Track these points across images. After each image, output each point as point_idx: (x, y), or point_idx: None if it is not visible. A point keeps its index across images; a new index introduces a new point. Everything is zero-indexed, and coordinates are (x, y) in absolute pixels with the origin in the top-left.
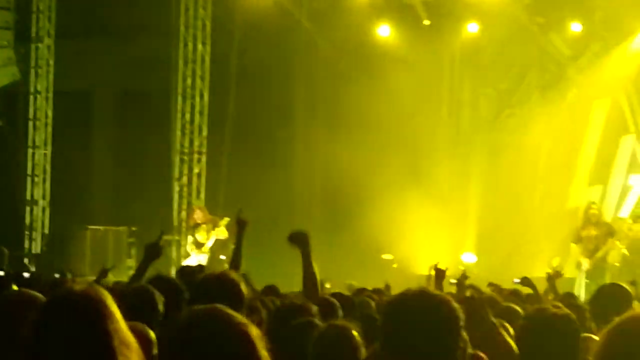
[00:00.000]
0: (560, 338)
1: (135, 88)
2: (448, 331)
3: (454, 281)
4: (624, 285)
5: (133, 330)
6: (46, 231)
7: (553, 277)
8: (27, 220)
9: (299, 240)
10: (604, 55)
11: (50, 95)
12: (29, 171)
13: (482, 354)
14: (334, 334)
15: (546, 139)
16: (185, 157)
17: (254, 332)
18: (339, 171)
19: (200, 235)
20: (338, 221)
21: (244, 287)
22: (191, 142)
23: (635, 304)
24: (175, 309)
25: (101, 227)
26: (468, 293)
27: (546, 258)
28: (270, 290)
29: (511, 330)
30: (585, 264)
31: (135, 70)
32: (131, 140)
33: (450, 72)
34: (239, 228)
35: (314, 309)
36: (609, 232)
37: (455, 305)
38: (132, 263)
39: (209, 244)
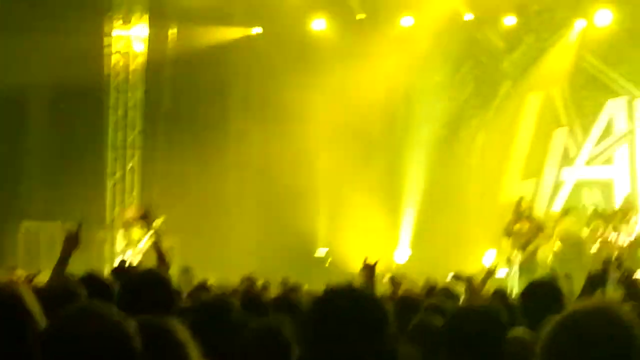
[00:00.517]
0: (485, 334)
1: (68, 83)
2: (373, 328)
3: (387, 278)
4: (555, 279)
5: None
6: None
7: (488, 275)
8: None
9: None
10: (538, 49)
11: None
12: None
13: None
14: (265, 332)
15: (480, 133)
16: (119, 153)
17: (129, 329)
18: (273, 165)
19: (134, 233)
20: (272, 216)
21: (172, 283)
22: (125, 137)
23: (565, 299)
24: None
25: (35, 222)
26: (401, 290)
27: (480, 252)
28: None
29: None
30: (517, 257)
31: (69, 65)
32: (65, 135)
33: (384, 66)
34: (149, 226)
35: (236, 304)
36: (539, 227)
37: (381, 301)
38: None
39: (142, 244)
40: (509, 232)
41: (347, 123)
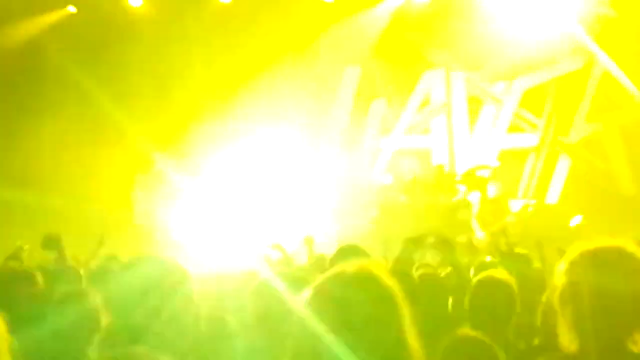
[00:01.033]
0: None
1: None
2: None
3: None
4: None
5: None
6: None
7: (310, 239)
8: None
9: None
10: (354, 21)
11: None
12: None
13: None
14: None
15: (298, 104)
16: None
17: None
18: (86, 144)
19: None
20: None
21: None
22: None
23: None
24: None
25: None
26: None
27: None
28: None
29: None
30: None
31: None
32: None
33: (203, 40)
34: None
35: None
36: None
37: None
38: None
39: None
40: None
41: (165, 96)
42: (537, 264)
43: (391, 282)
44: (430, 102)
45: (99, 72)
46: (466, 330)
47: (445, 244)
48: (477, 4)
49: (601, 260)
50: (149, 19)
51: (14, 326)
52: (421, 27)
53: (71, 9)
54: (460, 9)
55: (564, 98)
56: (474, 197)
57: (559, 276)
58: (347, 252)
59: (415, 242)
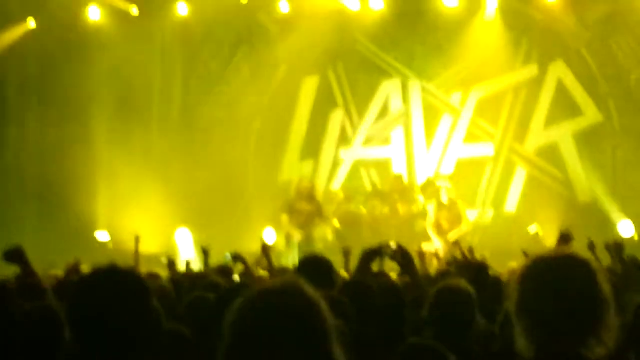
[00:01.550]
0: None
1: None
2: (137, 303)
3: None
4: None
5: None
6: None
7: (267, 249)
8: None
9: (16, 257)
10: (312, 32)
11: None
12: None
13: None
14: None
15: (257, 115)
16: None
17: None
18: (53, 153)
19: None
20: (51, 205)
21: None
22: None
23: (334, 272)
24: None
25: None
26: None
27: (260, 229)
28: None
29: None
30: (297, 235)
31: None
32: None
33: (162, 52)
34: None
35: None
36: (319, 211)
37: (141, 279)
38: None
39: None
40: (290, 210)
41: (127, 108)
42: (493, 272)
43: (317, 296)
44: (389, 112)
45: (60, 83)
46: (418, 339)
47: (404, 254)
48: (433, 15)
49: (555, 269)
50: (108, 32)
51: None
52: (377, 36)
53: (32, 23)
54: (415, 19)
55: (519, 107)
56: (433, 207)
57: (514, 285)
58: (311, 262)
59: (375, 254)
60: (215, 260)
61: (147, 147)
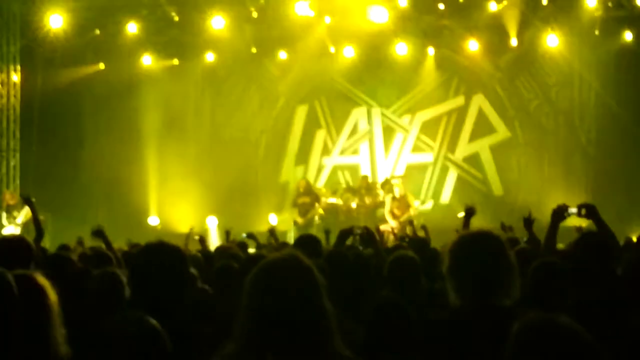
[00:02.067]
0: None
1: None
2: (178, 273)
3: (197, 237)
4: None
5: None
6: None
7: (273, 230)
8: None
9: (99, 234)
10: (303, 74)
11: None
12: None
13: None
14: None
15: (264, 133)
16: (4, 154)
17: (9, 278)
18: (117, 163)
19: (15, 212)
20: (114, 200)
21: (32, 247)
22: (7, 143)
23: (322, 246)
24: None
25: None
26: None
27: (265, 216)
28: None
29: None
30: (299, 221)
31: None
32: None
33: (195, 90)
34: (30, 205)
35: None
36: (315, 199)
37: (181, 252)
38: None
39: (19, 219)
40: (294, 204)
41: (167, 128)
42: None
43: (310, 263)
44: (358, 131)
45: (122, 111)
46: (387, 292)
47: (368, 233)
48: (390, 61)
49: (474, 242)
50: (156, 73)
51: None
52: (350, 76)
53: (101, 65)
54: (377, 64)
55: (451, 127)
56: (389, 198)
57: (446, 254)
58: (304, 239)
59: (348, 232)
60: (234, 237)
61: (185, 156)
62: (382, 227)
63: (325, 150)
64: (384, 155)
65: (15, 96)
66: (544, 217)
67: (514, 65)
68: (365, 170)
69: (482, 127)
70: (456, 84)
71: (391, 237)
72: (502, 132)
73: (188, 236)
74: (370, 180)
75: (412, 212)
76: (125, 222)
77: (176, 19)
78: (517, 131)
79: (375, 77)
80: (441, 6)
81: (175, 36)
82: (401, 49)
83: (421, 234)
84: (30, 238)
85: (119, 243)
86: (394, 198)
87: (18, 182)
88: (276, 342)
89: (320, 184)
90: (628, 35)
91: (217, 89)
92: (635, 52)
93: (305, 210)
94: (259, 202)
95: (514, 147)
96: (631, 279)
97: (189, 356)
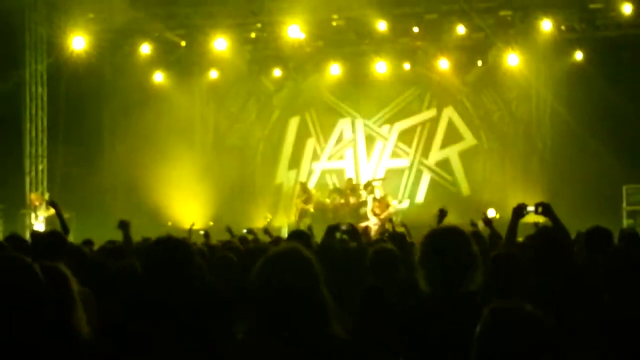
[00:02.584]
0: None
1: (1, 116)
2: (186, 265)
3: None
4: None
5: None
6: None
7: (268, 228)
8: None
9: (124, 226)
10: (296, 89)
11: None
12: None
13: None
14: (122, 268)
15: (261, 142)
16: (33, 160)
17: (36, 268)
18: (133, 167)
19: (39, 212)
20: (131, 200)
21: (66, 240)
22: (36, 149)
23: (312, 240)
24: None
25: None
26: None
27: (262, 214)
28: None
29: None
30: (294, 217)
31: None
32: (12, 150)
33: (200, 103)
34: (55, 207)
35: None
36: (308, 199)
37: (186, 245)
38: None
39: (40, 218)
40: (292, 204)
41: (176, 136)
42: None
43: (309, 254)
44: (343, 139)
45: (137, 121)
46: (372, 280)
47: (353, 228)
48: (371, 78)
49: (442, 236)
50: (166, 88)
51: None
52: (336, 92)
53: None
54: (360, 80)
55: (425, 135)
56: (370, 198)
57: (418, 247)
58: (296, 233)
59: (335, 228)
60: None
61: (192, 161)
62: (365, 224)
63: (315, 156)
64: (366, 160)
65: (42, 108)
66: (505, 214)
67: (479, 81)
68: (350, 174)
69: (452, 136)
70: (429, 98)
71: (372, 232)
72: (469, 139)
73: (190, 231)
74: (354, 182)
75: (391, 210)
76: (140, 219)
77: (183, 43)
78: (482, 139)
79: (358, 92)
80: (415, 29)
81: (183, 56)
82: (381, 67)
83: (401, 229)
84: None
85: (135, 237)
86: (375, 198)
87: (45, 184)
88: (281, 325)
89: (310, 186)
90: (579, 55)
91: (220, 102)
92: (584, 70)
93: (300, 208)
94: (256, 201)
95: (480, 152)
96: (587, 269)
97: (191, 326)
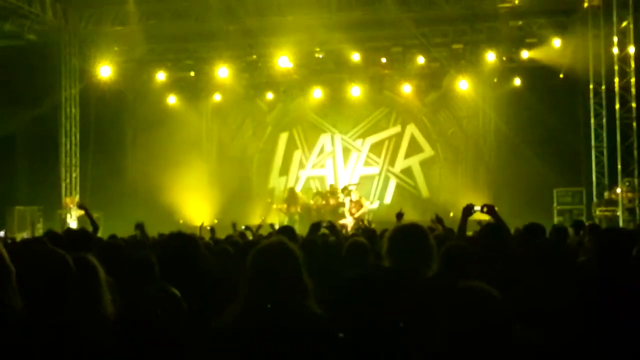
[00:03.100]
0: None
1: (42, 132)
2: (192, 256)
3: (209, 228)
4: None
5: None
6: None
7: (262, 225)
8: None
9: (140, 226)
10: (285, 109)
11: None
12: None
13: None
14: (139, 258)
15: (256, 153)
16: (67, 169)
17: (68, 259)
18: (151, 174)
19: (74, 211)
20: (149, 202)
21: (92, 235)
22: (71, 160)
23: (297, 235)
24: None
25: (22, 207)
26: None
27: (257, 213)
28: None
29: None
30: (285, 218)
31: (41, 124)
32: (41, 161)
33: (206, 121)
34: (84, 209)
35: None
36: (295, 202)
37: (192, 237)
38: (40, 229)
39: (74, 217)
40: (283, 207)
41: (186, 148)
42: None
43: (294, 246)
44: (324, 151)
45: (153, 134)
46: (354, 272)
47: (332, 226)
48: (347, 100)
49: (404, 231)
50: (178, 109)
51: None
52: (319, 111)
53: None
54: (337, 102)
55: (391, 147)
56: (347, 200)
57: (385, 239)
58: (284, 228)
59: (317, 225)
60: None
61: (200, 170)
62: (342, 221)
63: (301, 165)
64: (344, 168)
65: (75, 126)
66: (457, 212)
67: (436, 103)
68: (330, 180)
69: (414, 148)
70: (395, 117)
71: (349, 228)
72: (428, 151)
73: (200, 228)
74: (334, 186)
75: (364, 210)
76: (156, 218)
77: (192, 73)
78: (438, 150)
79: (336, 112)
80: (383, 60)
81: (192, 82)
82: (355, 91)
83: (372, 226)
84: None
85: (152, 233)
86: (351, 200)
87: (78, 189)
88: (266, 300)
89: (298, 190)
90: (517, 81)
91: (222, 120)
92: (522, 93)
93: (285, 210)
94: (253, 203)
95: (437, 162)
96: (524, 258)
97: (200, 312)
